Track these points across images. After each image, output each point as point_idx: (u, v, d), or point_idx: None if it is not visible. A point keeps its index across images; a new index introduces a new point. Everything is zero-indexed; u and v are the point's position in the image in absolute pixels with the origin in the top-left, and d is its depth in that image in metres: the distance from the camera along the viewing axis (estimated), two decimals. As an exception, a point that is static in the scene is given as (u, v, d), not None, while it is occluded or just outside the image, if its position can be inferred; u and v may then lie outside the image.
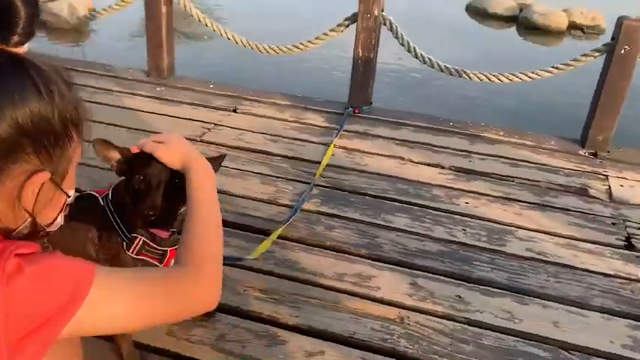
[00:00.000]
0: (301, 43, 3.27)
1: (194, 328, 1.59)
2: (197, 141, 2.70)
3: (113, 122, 2.72)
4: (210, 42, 5.79)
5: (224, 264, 1.70)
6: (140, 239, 1.29)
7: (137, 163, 1.20)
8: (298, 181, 2.43)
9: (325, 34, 3.20)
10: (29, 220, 0.79)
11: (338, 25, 3.17)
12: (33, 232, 0.81)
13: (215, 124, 2.90)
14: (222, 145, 2.68)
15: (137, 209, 1.20)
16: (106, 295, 0.78)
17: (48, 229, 0.85)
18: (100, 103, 3.04)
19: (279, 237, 2.01)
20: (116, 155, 1.23)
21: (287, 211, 2.20)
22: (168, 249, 1.34)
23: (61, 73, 0.81)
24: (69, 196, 0.86)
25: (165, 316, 0.90)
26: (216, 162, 1.37)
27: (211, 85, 3.39)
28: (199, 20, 3.37)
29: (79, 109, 0.82)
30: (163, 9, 3.30)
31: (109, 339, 1.44)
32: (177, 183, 1.17)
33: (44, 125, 0.74)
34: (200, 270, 0.94)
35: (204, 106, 3.12)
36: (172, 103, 3.14)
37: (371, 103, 3.24)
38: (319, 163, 2.56)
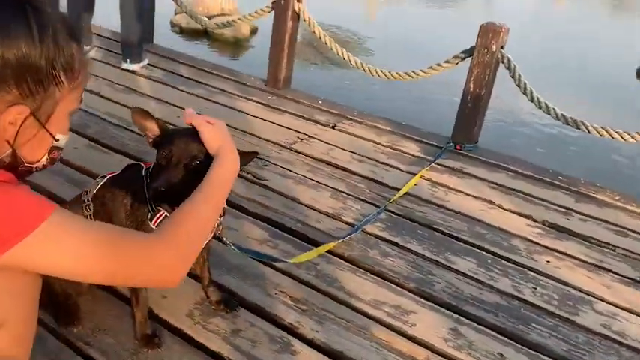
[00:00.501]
0: (413, 71, 3.22)
1: (214, 316, 1.61)
2: (285, 148, 2.77)
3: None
4: (331, 62, 6.01)
5: (262, 261, 1.70)
6: (163, 213, 1.34)
7: (166, 139, 1.25)
8: (370, 203, 2.37)
9: (439, 64, 3.13)
10: (10, 151, 0.87)
11: (453, 57, 3.08)
12: (14, 164, 0.88)
13: (309, 137, 2.95)
14: (307, 156, 2.72)
15: (151, 182, 1.26)
16: (55, 233, 0.81)
17: (32, 166, 0.92)
18: (217, 103, 3.27)
19: (330, 252, 1.97)
20: (153, 127, 1.28)
21: (348, 229, 2.15)
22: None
23: (68, 26, 0.88)
24: (56, 139, 0.92)
25: (120, 275, 0.91)
26: (246, 157, 1.36)
27: (320, 102, 3.46)
28: (319, 38, 3.48)
29: (76, 59, 0.88)
30: (289, 23, 3.46)
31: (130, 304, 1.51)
32: (198, 166, 1.19)
33: (29, 64, 0.81)
34: (170, 242, 0.94)
35: (306, 119, 3.19)
36: (277, 112, 3.26)
37: (476, 143, 3.08)
38: (398, 190, 2.48)
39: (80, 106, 0.97)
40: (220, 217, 1.46)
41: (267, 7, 3.53)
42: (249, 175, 2.44)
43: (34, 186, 1.82)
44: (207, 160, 1.14)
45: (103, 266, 0.87)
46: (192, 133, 1.17)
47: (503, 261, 2.09)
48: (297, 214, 2.20)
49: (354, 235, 2.10)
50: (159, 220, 1.34)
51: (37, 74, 0.83)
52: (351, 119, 3.26)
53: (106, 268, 0.88)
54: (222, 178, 1.08)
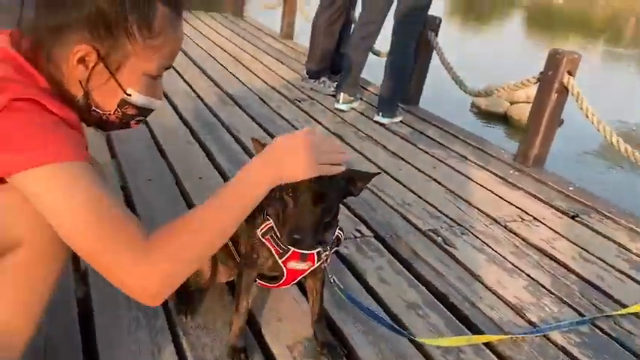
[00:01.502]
0: None
1: (313, 358, 1.45)
2: (498, 223, 2.41)
3: (446, 185, 2.78)
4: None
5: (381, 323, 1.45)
6: (269, 223, 1.28)
7: None
8: (574, 308, 1.85)
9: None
10: (82, 94, 0.93)
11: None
12: (86, 107, 0.95)
13: (535, 219, 2.51)
14: (520, 238, 2.31)
15: (283, 227, 1.20)
16: (61, 180, 0.84)
17: (101, 112, 0.97)
18: (448, 165, 3.09)
19: (487, 345, 1.59)
20: None
21: (526, 328, 1.71)
22: (293, 250, 1.27)
23: None
24: (127, 93, 0.95)
25: (94, 263, 0.89)
26: (365, 178, 1.25)
27: (570, 188, 2.94)
28: (587, 116, 2.99)
29: (157, 20, 0.92)
30: (553, 96, 3.08)
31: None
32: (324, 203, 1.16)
33: (103, 10, 0.87)
34: (152, 256, 0.89)
35: (541, 201, 2.74)
36: (510, 186, 2.89)
37: None
38: (624, 306, 1.88)
39: (159, 73, 1.00)
40: (332, 245, 1.33)
41: (533, 77, 3.23)
42: (438, 238, 2.19)
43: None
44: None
45: (81, 244, 0.86)
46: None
47: None
48: (471, 291, 1.86)
49: (530, 335, 1.65)
50: (264, 229, 1.29)
51: (108, 21, 0.88)
52: (602, 214, 2.66)
53: (83, 248, 0.87)
54: (241, 186, 1.02)
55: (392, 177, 2.78)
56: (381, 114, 3.68)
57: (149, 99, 1.02)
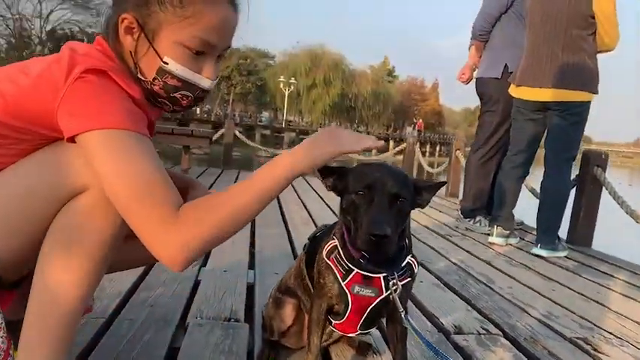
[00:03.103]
0: None
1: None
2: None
3: (608, 305, 2.40)
4: None
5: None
6: (334, 242, 1.27)
7: (355, 176, 1.19)
8: None
9: None
10: (133, 64, 1.12)
11: None
12: (137, 79, 1.13)
13: None
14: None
15: (358, 231, 1.14)
16: (109, 144, 0.99)
17: (145, 80, 1.13)
18: (624, 295, 2.66)
19: None
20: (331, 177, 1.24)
21: None
22: (356, 271, 1.22)
23: None
24: (164, 61, 1.10)
25: (128, 220, 1.01)
26: (430, 188, 1.20)
27: None
28: None
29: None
30: None
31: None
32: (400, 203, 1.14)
33: None
34: (184, 231, 0.99)
35: None
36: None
37: None
38: None
39: (197, 46, 1.11)
40: (402, 273, 1.24)
41: None
42: (587, 346, 1.84)
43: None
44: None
45: (120, 202, 1.00)
46: (389, 168, 1.18)
47: None
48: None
49: None
50: (327, 249, 1.28)
51: None
52: None
53: (121, 205, 1.00)
54: (263, 173, 1.07)
55: (541, 295, 2.48)
56: (539, 245, 3.41)
57: (190, 72, 1.12)
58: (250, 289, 2.15)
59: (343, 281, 1.24)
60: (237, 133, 8.64)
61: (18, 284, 1.18)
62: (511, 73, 3.77)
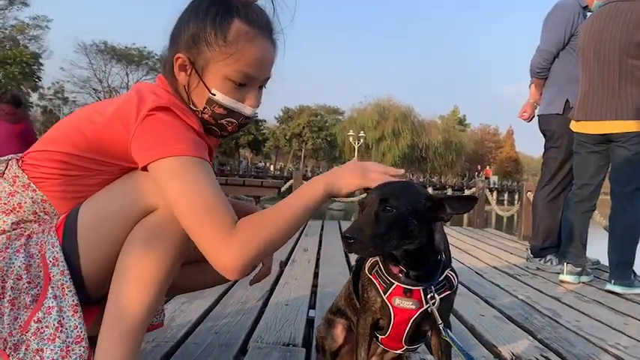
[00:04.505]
0: None
1: None
2: None
3: None
4: None
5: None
6: (375, 258, 1.35)
7: None
8: None
9: None
10: (186, 96, 1.29)
11: None
12: (190, 107, 1.30)
13: None
14: None
15: None
16: (176, 171, 1.15)
17: (196, 110, 1.29)
18: None
19: None
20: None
21: None
22: (396, 284, 1.30)
23: (246, 12, 1.26)
24: (212, 93, 1.26)
25: (192, 236, 1.16)
26: (451, 201, 1.23)
27: None
28: None
29: (232, 33, 1.24)
30: None
31: None
32: (393, 212, 1.17)
33: (192, 29, 1.26)
34: (240, 245, 1.13)
35: None
36: None
37: None
38: None
39: (240, 79, 1.27)
40: (441, 286, 1.30)
41: None
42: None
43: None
44: (411, 207, 1.18)
45: (185, 219, 1.16)
46: (390, 183, 1.25)
47: None
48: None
49: None
50: (368, 265, 1.36)
51: (193, 34, 1.25)
52: None
53: (186, 222, 1.16)
54: (302, 191, 1.23)
55: (611, 327, 2.38)
56: (612, 281, 3.25)
57: (234, 101, 1.28)
58: (310, 322, 2.23)
59: (385, 294, 1.32)
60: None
61: (100, 301, 1.35)
62: (572, 108, 3.74)
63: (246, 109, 1.33)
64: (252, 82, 1.31)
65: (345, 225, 6.63)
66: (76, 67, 43.21)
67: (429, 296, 1.28)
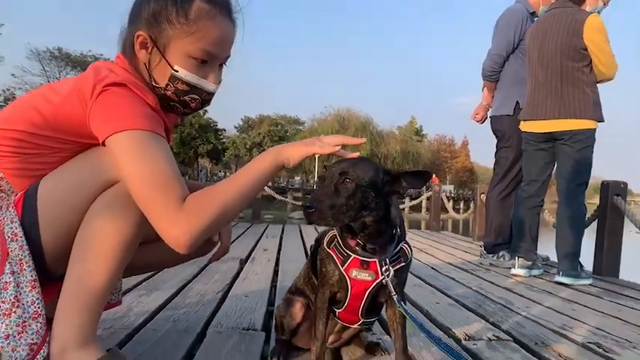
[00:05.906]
0: None
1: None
2: None
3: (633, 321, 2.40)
4: None
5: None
6: (333, 233, 1.39)
7: None
8: None
9: None
10: (148, 75, 1.30)
11: None
12: (152, 87, 1.31)
13: None
14: None
15: None
16: (128, 145, 1.16)
17: (158, 86, 1.30)
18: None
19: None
20: None
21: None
22: (354, 256, 1.34)
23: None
24: (174, 69, 1.28)
25: (140, 207, 1.16)
26: (407, 176, 1.28)
27: None
28: None
29: (194, 11, 1.26)
30: None
31: None
32: (350, 184, 1.23)
33: (154, 8, 1.27)
34: (187, 220, 1.13)
35: None
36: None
37: None
38: None
39: (201, 56, 1.29)
40: (395, 257, 1.35)
41: None
42: (599, 349, 1.86)
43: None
44: (367, 180, 1.23)
45: (137, 193, 1.16)
46: (350, 158, 1.30)
47: None
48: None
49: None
50: (327, 239, 1.40)
51: (155, 12, 1.26)
52: None
53: (138, 196, 1.17)
54: (251, 164, 1.24)
55: (559, 312, 2.49)
56: (561, 273, 3.40)
57: (197, 77, 1.30)
58: (271, 313, 2.24)
59: (342, 266, 1.36)
60: (267, 189, 8.88)
61: (61, 278, 1.32)
62: (522, 109, 3.91)
63: (209, 85, 1.35)
64: (213, 59, 1.34)
65: (306, 228, 6.65)
66: (29, 74, 41.63)
67: (384, 268, 1.33)
